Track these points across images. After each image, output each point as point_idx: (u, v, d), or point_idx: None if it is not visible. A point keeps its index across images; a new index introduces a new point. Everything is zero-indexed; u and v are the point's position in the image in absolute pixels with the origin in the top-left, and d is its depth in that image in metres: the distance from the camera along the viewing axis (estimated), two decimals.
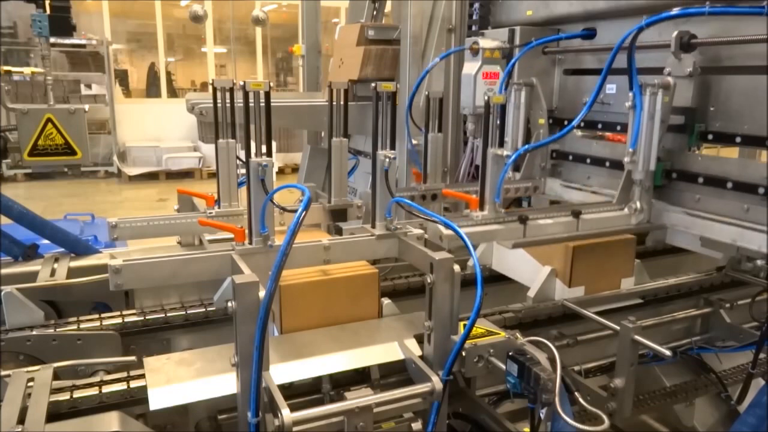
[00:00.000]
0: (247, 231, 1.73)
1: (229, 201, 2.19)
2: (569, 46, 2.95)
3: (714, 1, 2.09)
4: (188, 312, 2.08)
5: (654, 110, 2.21)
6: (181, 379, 1.50)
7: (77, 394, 1.54)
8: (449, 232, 1.79)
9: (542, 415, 1.57)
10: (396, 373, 1.73)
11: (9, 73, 7.67)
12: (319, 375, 1.62)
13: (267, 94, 1.65)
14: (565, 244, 2.20)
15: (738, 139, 2.25)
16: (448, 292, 1.57)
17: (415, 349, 1.66)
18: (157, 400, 1.43)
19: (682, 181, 2.39)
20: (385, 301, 1.90)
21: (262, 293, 1.32)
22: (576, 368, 2.16)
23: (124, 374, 1.63)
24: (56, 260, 2.29)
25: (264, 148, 1.67)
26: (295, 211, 1.51)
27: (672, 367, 2.41)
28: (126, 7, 12.79)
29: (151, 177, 11.71)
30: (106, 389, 1.57)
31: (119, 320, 2.01)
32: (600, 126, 2.81)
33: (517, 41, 2.91)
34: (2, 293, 1.95)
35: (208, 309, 2.09)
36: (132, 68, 14.04)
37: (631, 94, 2.24)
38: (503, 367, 1.58)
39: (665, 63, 2.32)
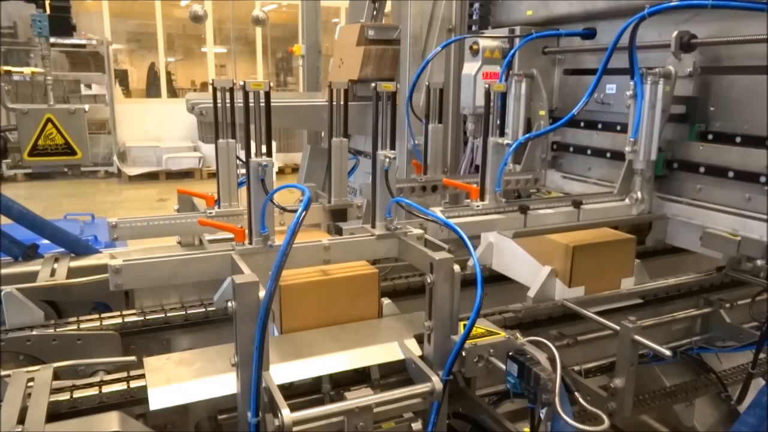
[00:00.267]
0: (247, 231, 1.73)
1: (229, 201, 2.19)
2: (569, 46, 2.95)
3: None
4: (188, 312, 2.08)
5: (655, 99, 2.21)
6: (181, 379, 1.50)
7: (77, 394, 1.54)
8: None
9: (542, 415, 1.57)
10: (396, 373, 1.73)
11: (9, 73, 7.66)
12: (319, 375, 1.62)
13: (267, 94, 1.65)
14: (565, 244, 2.20)
15: (738, 139, 2.25)
16: (448, 292, 1.57)
17: (415, 349, 1.66)
18: (157, 400, 1.43)
19: (683, 171, 2.39)
20: (385, 301, 1.90)
21: (262, 293, 1.32)
22: (576, 368, 2.16)
23: (124, 374, 1.63)
24: (56, 260, 2.28)
25: (264, 148, 1.67)
26: (295, 211, 1.51)
27: (672, 367, 2.41)
28: (126, 7, 12.79)
29: (151, 177, 11.71)
30: (106, 389, 1.56)
31: (119, 320, 2.01)
32: (600, 126, 2.81)
33: (517, 41, 2.92)
34: (2, 293, 1.95)
35: (208, 309, 2.09)
36: (132, 68, 14.05)
37: (632, 83, 2.24)
38: (503, 367, 1.58)
39: (665, 63, 2.32)
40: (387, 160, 1.82)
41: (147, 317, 2.04)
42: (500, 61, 2.93)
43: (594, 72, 2.33)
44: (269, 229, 1.71)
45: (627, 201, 2.37)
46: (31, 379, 1.54)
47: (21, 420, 1.36)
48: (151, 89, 13.69)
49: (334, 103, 2.04)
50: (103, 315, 2.03)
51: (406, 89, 3.23)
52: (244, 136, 1.71)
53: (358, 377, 1.73)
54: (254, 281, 1.35)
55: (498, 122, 2.14)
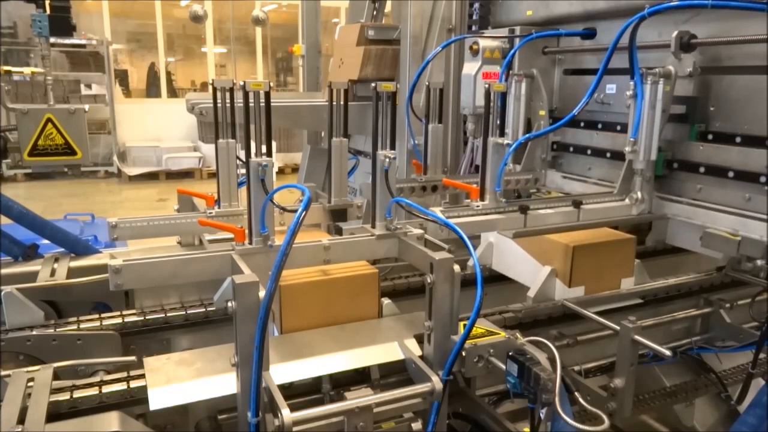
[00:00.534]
0: (247, 231, 1.73)
1: (229, 201, 2.19)
2: (569, 46, 2.95)
3: None
4: (188, 312, 2.08)
5: (655, 99, 2.21)
6: (181, 379, 1.50)
7: (77, 394, 1.54)
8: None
9: (542, 415, 1.57)
10: (396, 373, 1.73)
11: (9, 73, 7.65)
12: (319, 375, 1.62)
13: (267, 94, 1.65)
14: (565, 244, 2.20)
15: (738, 139, 2.25)
16: (448, 292, 1.57)
17: (415, 349, 1.66)
18: (157, 400, 1.43)
19: (683, 170, 2.39)
20: (385, 301, 1.90)
21: (262, 293, 1.32)
22: (576, 368, 2.16)
23: (124, 374, 1.63)
24: (56, 260, 2.28)
25: (264, 148, 1.67)
26: (295, 211, 1.51)
27: (672, 367, 2.41)
28: (126, 7, 12.79)
29: (151, 177, 11.71)
30: (106, 389, 1.56)
31: (119, 320, 2.01)
32: (600, 126, 2.81)
33: (517, 41, 2.92)
34: (2, 293, 1.95)
35: (208, 309, 2.09)
36: (132, 68, 14.04)
37: (632, 83, 2.24)
38: (503, 367, 1.58)
39: (665, 63, 2.32)
40: (387, 160, 1.82)
41: (147, 317, 2.04)
42: (500, 61, 2.92)
43: (594, 72, 2.32)
44: (269, 229, 1.71)
45: (627, 201, 2.37)
46: (31, 379, 1.54)
47: (21, 420, 1.36)
48: (151, 89, 13.69)
49: (334, 103, 2.03)
50: (103, 315, 2.03)
51: (406, 89, 3.23)
52: (244, 136, 1.71)
53: (358, 377, 1.73)
54: (254, 281, 1.35)
55: (498, 122, 2.14)
